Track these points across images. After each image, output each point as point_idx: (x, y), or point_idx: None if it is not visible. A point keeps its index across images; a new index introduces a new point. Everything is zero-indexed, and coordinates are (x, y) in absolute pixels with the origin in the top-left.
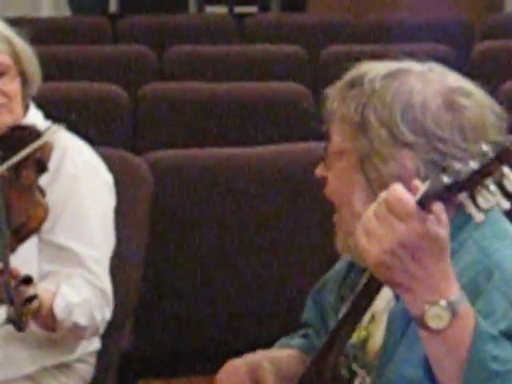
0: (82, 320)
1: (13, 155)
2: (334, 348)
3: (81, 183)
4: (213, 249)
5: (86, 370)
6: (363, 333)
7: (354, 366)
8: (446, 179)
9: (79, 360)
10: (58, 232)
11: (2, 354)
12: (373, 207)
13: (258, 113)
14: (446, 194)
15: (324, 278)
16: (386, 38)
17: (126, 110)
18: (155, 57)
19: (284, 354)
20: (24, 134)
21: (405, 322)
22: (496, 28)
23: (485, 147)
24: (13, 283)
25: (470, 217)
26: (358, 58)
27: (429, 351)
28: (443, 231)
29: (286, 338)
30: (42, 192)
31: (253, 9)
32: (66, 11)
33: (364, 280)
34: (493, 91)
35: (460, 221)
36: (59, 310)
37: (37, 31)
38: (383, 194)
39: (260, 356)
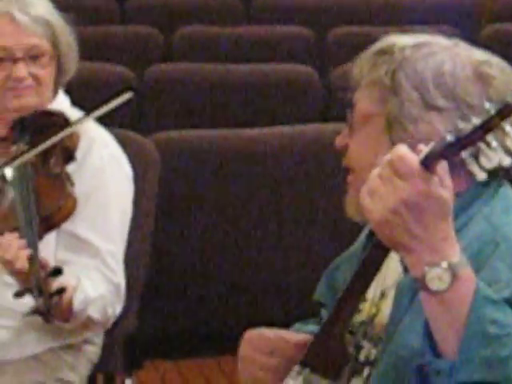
0: (96, 315)
1: (40, 141)
2: (339, 318)
3: (106, 177)
4: (220, 229)
5: (93, 350)
6: (373, 309)
7: (363, 342)
8: (448, 137)
9: (86, 341)
10: (79, 223)
11: (10, 335)
12: (377, 169)
13: (265, 94)
14: (448, 152)
15: (338, 258)
16: (393, 20)
17: None
18: (162, 38)
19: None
20: (52, 120)
21: (412, 293)
22: (504, 10)
23: (488, 105)
24: (42, 274)
25: (480, 191)
26: (365, 40)
27: (428, 313)
28: (446, 192)
29: (300, 323)
30: (72, 183)
31: None
32: None
33: (369, 247)
34: None
35: (470, 195)
36: (77, 303)
37: None
38: (387, 156)
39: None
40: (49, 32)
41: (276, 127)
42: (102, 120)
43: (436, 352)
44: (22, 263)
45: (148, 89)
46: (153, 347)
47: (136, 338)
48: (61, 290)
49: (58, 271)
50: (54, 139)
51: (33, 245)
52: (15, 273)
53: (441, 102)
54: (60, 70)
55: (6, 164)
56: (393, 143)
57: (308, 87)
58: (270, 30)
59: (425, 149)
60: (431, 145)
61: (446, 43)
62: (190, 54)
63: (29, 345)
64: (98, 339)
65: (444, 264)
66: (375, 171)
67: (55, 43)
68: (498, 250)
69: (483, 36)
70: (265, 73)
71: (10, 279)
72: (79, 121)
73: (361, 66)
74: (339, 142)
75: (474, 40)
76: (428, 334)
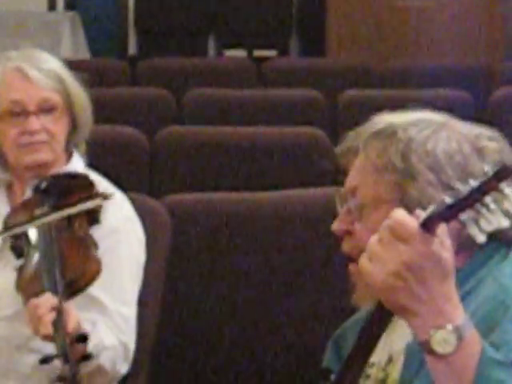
0: (107, 365)
1: (64, 203)
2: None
3: (120, 239)
4: (231, 292)
5: None
6: (381, 374)
7: None
8: (447, 199)
9: None
10: None
11: None
12: (376, 234)
13: (276, 157)
14: (447, 214)
15: (343, 325)
16: (404, 84)
17: (145, 153)
18: (174, 100)
19: None
20: (75, 183)
21: (422, 357)
22: None
23: (486, 167)
24: (67, 340)
25: (490, 256)
26: (376, 103)
27: (435, 377)
28: (446, 253)
29: None
30: (96, 246)
31: (272, 53)
32: (85, 54)
33: (372, 311)
34: None
35: (480, 259)
36: (91, 347)
37: None
38: (386, 221)
39: None
40: (60, 86)
41: (288, 191)
42: (116, 183)
43: None
44: (46, 329)
45: (159, 151)
46: None
47: None
48: (87, 357)
49: (83, 337)
50: (82, 207)
51: (58, 310)
52: (42, 338)
53: (456, 181)
54: (74, 125)
55: (30, 224)
56: None
57: (319, 150)
58: (281, 92)
59: (423, 213)
60: (430, 208)
61: (440, 119)
62: (201, 116)
63: None
64: None
65: (449, 326)
66: (374, 237)
67: (67, 97)
68: (508, 313)
69: (495, 98)
70: (275, 136)
71: (21, 343)
72: (105, 193)
73: (363, 150)
74: (339, 227)
75: (486, 103)
76: None
